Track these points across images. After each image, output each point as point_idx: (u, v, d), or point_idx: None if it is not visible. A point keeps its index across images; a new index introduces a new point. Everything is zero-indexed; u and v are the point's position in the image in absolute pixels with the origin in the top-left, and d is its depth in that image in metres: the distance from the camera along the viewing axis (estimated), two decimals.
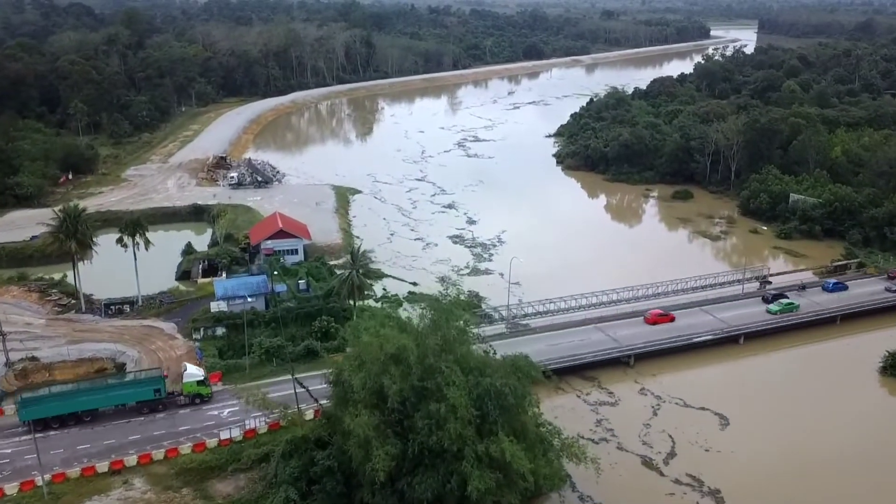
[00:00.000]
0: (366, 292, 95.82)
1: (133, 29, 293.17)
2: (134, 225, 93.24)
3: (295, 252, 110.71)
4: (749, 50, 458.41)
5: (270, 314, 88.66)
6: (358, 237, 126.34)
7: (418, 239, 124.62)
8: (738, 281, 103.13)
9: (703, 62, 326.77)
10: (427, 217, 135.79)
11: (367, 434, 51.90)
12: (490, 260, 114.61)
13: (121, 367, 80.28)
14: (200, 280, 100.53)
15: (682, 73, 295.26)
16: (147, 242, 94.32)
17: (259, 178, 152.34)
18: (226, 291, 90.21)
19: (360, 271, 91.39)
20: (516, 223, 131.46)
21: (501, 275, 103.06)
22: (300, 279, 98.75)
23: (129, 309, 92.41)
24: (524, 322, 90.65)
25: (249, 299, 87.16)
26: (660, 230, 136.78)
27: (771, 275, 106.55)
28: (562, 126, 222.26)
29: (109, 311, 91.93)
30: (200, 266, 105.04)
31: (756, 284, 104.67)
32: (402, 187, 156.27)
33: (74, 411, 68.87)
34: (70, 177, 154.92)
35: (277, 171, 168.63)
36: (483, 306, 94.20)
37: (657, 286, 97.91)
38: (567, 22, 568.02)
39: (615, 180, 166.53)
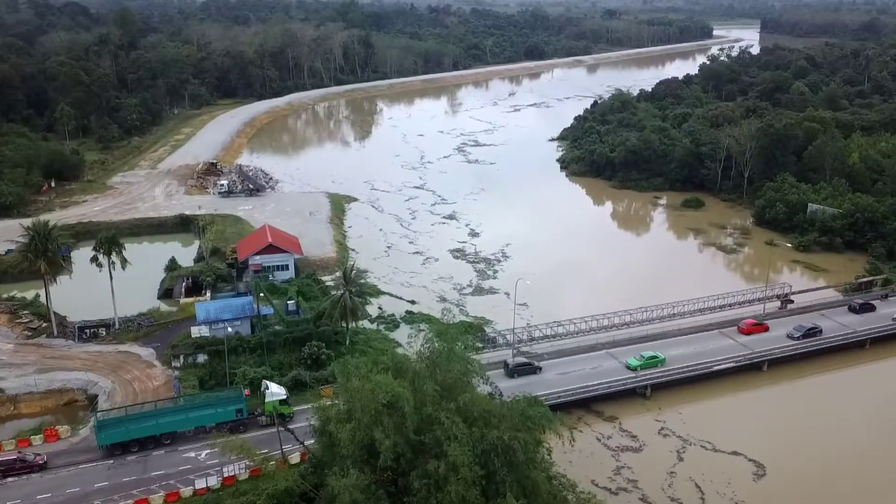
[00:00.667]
0: (360, 313, 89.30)
1: (126, 29, 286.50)
2: (109, 242, 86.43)
3: (285, 268, 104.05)
4: (754, 50, 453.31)
5: (256, 339, 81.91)
6: (353, 250, 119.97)
7: (417, 252, 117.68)
8: (760, 300, 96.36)
9: (708, 63, 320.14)
10: (427, 228, 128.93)
11: (355, 497, 45.29)
12: (494, 277, 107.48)
13: (92, 399, 73.82)
14: (183, 300, 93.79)
15: (688, 75, 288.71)
16: (124, 261, 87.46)
17: (250, 186, 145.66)
18: (208, 315, 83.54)
19: (354, 291, 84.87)
20: (521, 235, 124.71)
21: (507, 294, 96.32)
22: (289, 299, 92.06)
23: (104, 333, 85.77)
24: (531, 349, 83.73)
25: (230, 329, 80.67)
26: (671, 241, 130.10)
27: (793, 293, 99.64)
28: (565, 129, 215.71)
29: (84, 336, 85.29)
30: (184, 284, 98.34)
31: (777, 304, 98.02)
32: (401, 195, 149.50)
33: (154, 434, 64.61)
34: (53, 184, 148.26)
35: (270, 178, 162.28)
36: (487, 330, 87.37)
37: (672, 306, 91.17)
38: (569, 21, 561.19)
39: (622, 187, 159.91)
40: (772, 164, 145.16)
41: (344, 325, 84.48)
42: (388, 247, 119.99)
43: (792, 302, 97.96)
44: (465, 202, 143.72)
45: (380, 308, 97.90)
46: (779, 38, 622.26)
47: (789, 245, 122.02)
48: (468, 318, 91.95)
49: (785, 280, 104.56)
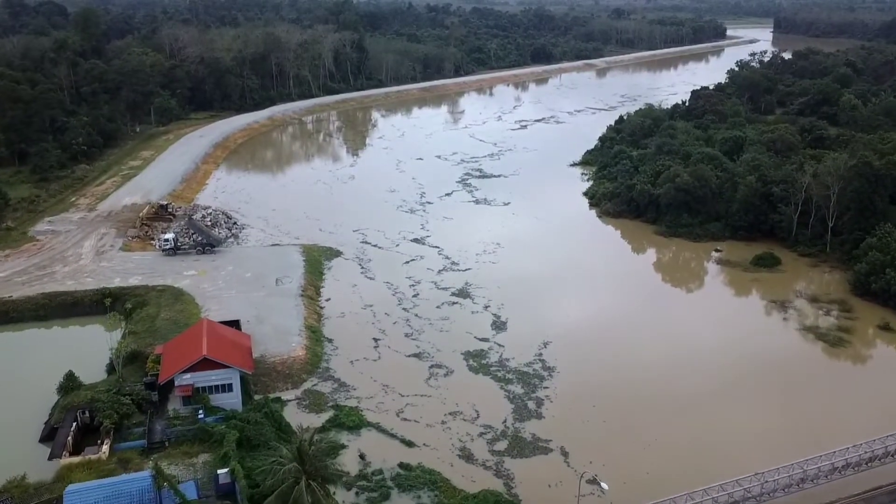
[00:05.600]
0: (334, 470, 58.49)
1: (88, 33, 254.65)
2: None
3: (227, 389, 72.86)
4: (759, 46, 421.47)
5: None
6: (329, 341, 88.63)
7: (419, 356, 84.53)
8: None
9: (737, 69, 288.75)
10: (432, 311, 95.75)
11: None
12: (539, 414, 71.87)
13: None
14: (64, 460, 62.23)
15: (720, 84, 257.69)
16: None
17: (202, 241, 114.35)
18: None
19: (315, 471, 53.88)
20: (561, 321, 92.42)
21: (564, 455, 64.67)
22: (221, 470, 60.45)
23: None
24: None
25: None
26: (751, 324, 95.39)
27: None
28: (588, 153, 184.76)
29: None
30: (74, 424, 67.09)
31: None
32: (399, 254, 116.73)
33: None
34: None
35: (234, 223, 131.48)
36: None
37: (833, 455, 60.08)
38: (575, 21, 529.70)
39: (671, 233, 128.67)
40: (867, 211, 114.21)
41: None
42: (378, 341, 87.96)
43: None
44: (480, 267, 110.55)
45: (361, 457, 66.80)
46: (793, 38, 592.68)
47: None
48: (507, 496, 60.49)
49: None
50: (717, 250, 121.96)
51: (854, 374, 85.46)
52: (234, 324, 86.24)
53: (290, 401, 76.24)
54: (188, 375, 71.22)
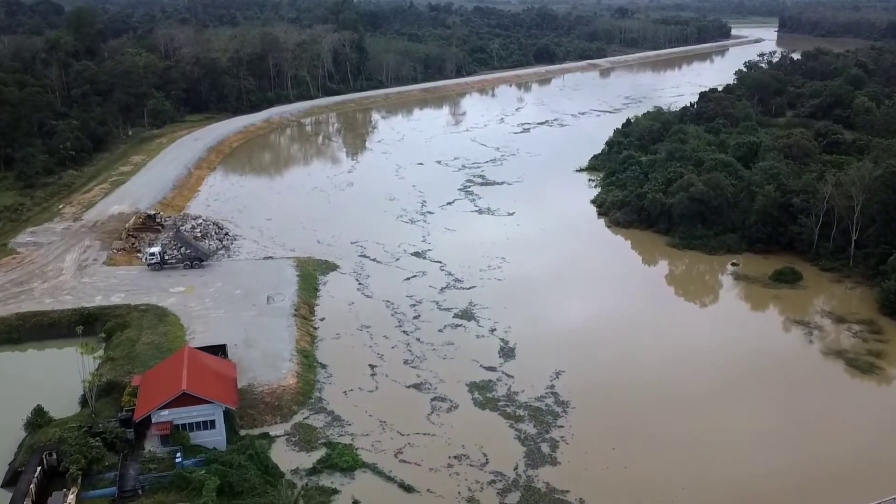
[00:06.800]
0: None
1: (82, 32, 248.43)
2: None
3: (209, 426, 66.73)
4: (767, 46, 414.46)
5: None
6: (323, 367, 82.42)
7: (419, 386, 77.33)
8: None
9: (745, 70, 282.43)
10: (434, 335, 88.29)
11: None
12: (554, 460, 64.47)
13: None
14: None
15: (728, 85, 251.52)
16: None
17: (190, 254, 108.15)
18: None
19: None
20: (575, 346, 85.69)
21: None
22: None
23: None
24: None
25: None
26: (774, 346, 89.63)
27: None
28: (595, 157, 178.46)
29: None
30: (40, 467, 61.00)
31: None
32: (398, 269, 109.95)
33: None
34: None
35: (226, 234, 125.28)
36: None
37: None
38: (578, 20, 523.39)
39: (684, 246, 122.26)
40: (894, 224, 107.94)
41: None
42: (375, 368, 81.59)
43: None
44: (485, 284, 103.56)
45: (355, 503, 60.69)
46: (799, 37, 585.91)
47: None
48: None
49: None
50: (733, 264, 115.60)
51: (884, 396, 79.20)
52: (221, 349, 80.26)
53: (278, 436, 70.02)
54: (166, 412, 65.08)
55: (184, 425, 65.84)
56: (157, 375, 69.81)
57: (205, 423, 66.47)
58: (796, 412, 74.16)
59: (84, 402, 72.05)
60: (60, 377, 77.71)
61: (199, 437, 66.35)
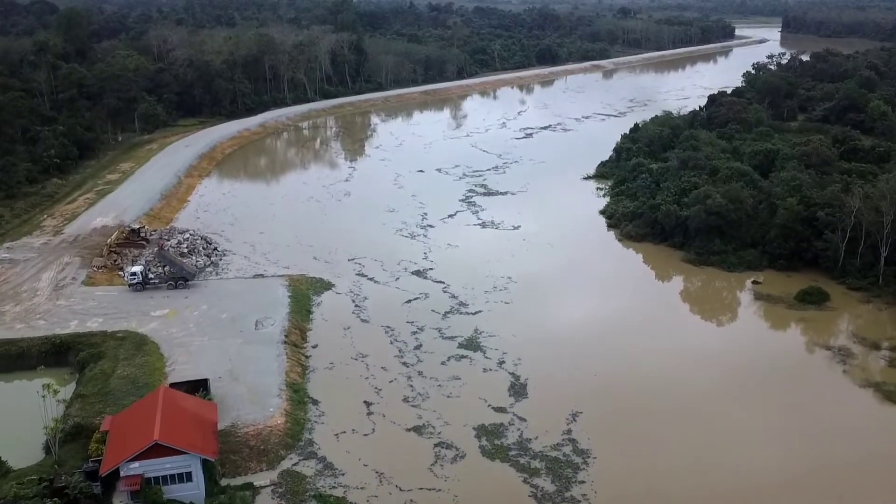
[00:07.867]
0: None
1: (73, 34, 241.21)
2: None
3: (186, 478, 59.70)
4: (773, 47, 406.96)
5: None
6: (314, 403, 75.27)
7: (421, 430, 69.61)
8: None
9: (754, 72, 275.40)
10: (437, 369, 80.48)
11: None
12: None
13: None
14: None
15: (737, 88, 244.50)
16: None
17: (174, 273, 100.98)
18: None
19: None
20: (592, 381, 78.17)
21: None
22: None
23: None
24: None
25: None
26: (803, 375, 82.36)
27: None
28: (603, 164, 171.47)
29: None
30: None
31: None
32: (398, 290, 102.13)
33: None
34: None
35: (215, 249, 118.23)
36: None
37: None
38: (580, 21, 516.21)
39: (701, 262, 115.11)
40: None
41: None
42: (371, 406, 74.35)
43: None
44: (492, 308, 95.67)
45: None
46: (803, 38, 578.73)
47: None
48: None
49: None
50: (755, 282, 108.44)
51: None
52: (203, 384, 73.18)
53: (263, 487, 62.87)
54: (136, 464, 58.11)
55: (157, 478, 58.82)
56: (129, 419, 62.69)
57: (180, 475, 59.49)
58: (831, 454, 67.06)
59: (46, 446, 64.94)
60: (25, 416, 70.41)
61: (175, 492, 59.39)
